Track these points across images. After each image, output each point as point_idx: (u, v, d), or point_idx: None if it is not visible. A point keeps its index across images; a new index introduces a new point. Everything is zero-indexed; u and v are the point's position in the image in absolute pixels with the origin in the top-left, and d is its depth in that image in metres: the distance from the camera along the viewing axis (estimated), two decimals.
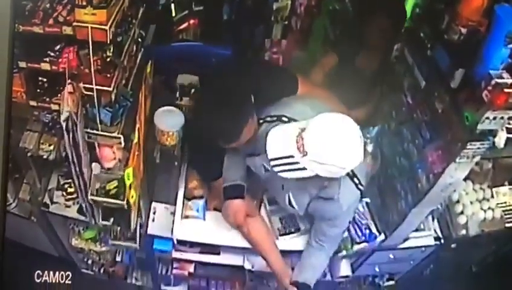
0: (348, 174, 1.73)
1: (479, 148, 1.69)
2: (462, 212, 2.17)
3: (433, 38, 1.87)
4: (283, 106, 1.88)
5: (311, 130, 1.57)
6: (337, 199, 1.77)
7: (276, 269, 2.04)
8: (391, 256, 2.26)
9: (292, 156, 1.58)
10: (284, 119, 1.81)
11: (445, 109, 1.79)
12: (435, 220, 2.22)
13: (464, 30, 1.69)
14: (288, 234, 2.12)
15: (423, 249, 2.24)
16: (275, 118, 1.84)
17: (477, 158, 1.75)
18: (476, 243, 2.24)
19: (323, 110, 1.65)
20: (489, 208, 2.17)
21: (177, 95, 2.18)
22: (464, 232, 2.18)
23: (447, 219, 2.21)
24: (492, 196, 2.19)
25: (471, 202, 2.17)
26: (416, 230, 2.19)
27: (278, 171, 1.62)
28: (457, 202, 2.17)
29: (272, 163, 1.62)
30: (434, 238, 2.22)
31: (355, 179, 1.78)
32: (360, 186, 1.79)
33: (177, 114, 2.06)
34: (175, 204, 2.16)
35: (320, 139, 1.56)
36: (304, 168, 1.58)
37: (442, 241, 2.23)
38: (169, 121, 2.02)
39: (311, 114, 1.65)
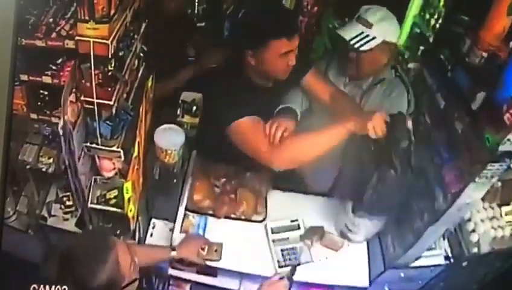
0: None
1: (498, 169, 1.69)
2: (474, 230, 2.15)
3: (454, 61, 1.89)
4: None
5: (369, 11, 2.12)
6: None
7: None
8: (402, 275, 2.23)
9: (362, 32, 2.10)
10: None
11: (465, 130, 1.78)
12: (446, 239, 2.21)
13: (485, 54, 1.71)
14: (287, 266, 2.05)
15: (432, 268, 2.21)
16: None
17: (495, 179, 1.75)
18: (486, 261, 2.22)
19: None
20: (499, 226, 2.16)
21: (179, 112, 2.16)
22: (475, 250, 2.15)
23: (459, 237, 2.19)
24: (501, 215, 2.18)
25: (482, 220, 2.15)
26: (428, 249, 2.17)
27: (358, 47, 2.09)
28: (469, 220, 2.16)
29: (351, 42, 2.09)
30: (444, 257, 2.20)
31: None
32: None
33: (178, 132, 2.04)
34: (174, 221, 2.15)
35: (376, 11, 2.12)
36: (374, 37, 2.08)
37: (452, 260, 2.20)
38: (170, 139, 2.00)
39: None
